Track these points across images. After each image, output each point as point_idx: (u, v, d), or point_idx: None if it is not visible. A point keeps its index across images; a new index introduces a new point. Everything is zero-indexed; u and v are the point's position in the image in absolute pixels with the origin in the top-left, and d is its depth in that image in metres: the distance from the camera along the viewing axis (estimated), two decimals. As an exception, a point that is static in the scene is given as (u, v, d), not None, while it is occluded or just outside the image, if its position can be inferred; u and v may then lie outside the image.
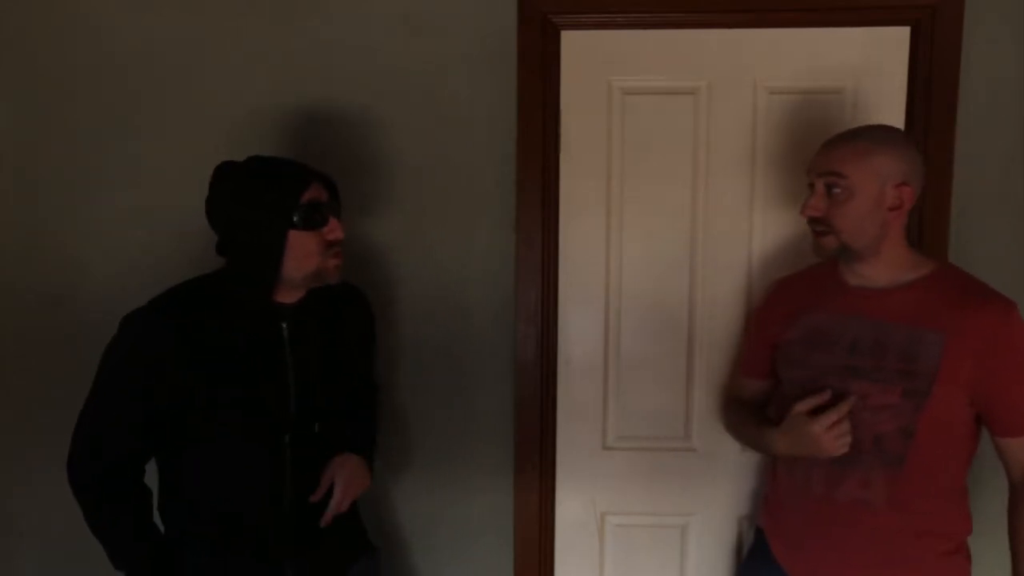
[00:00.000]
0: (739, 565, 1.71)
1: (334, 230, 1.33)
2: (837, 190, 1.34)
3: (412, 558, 1.87)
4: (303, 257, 1.31)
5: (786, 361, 1.50)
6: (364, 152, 1.77)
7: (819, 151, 1.40)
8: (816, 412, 1.34)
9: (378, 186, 1.77)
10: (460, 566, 1.87)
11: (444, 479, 1.84)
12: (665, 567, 1.88)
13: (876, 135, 1.36)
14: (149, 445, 1.36)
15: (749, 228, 1.79)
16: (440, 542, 1.86)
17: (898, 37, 1.72)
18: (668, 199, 1.79)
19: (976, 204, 1.71)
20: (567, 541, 1.89)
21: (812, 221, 1.39)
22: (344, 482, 1.42)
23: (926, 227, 1.70)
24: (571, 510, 1.88)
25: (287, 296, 1.37)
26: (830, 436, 1.32)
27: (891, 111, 1.73)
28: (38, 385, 1.84)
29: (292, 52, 1.75)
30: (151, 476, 1.39)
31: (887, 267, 1.38)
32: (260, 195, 1.27)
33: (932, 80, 1.68)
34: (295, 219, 1.28)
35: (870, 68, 1.72)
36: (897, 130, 1.42)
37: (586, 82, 1.77)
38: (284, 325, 1.37)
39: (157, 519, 1.40)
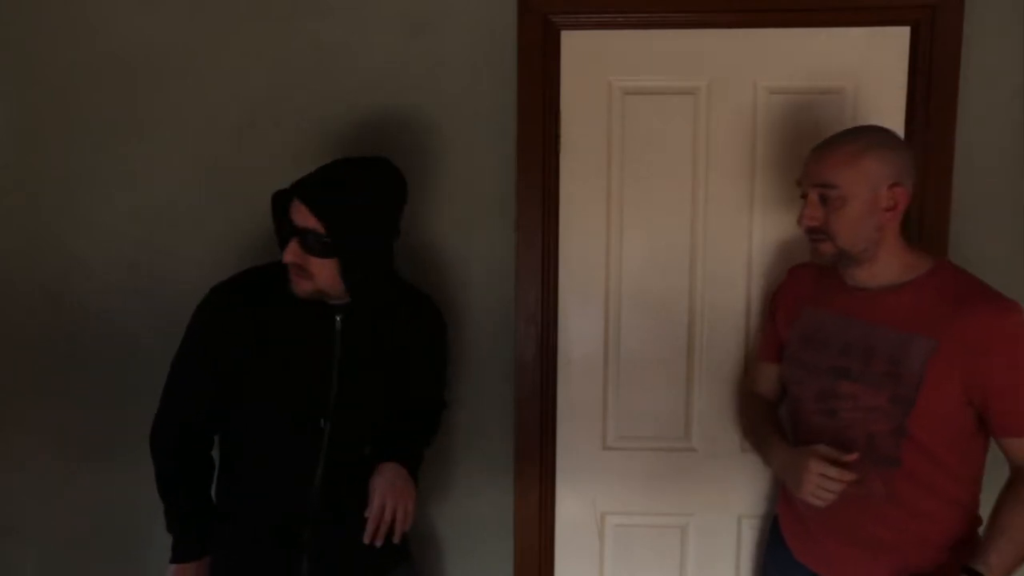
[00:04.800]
0: (760, 551, 1.75)
1: (286, 253, 1.34)
2: (830, 199, 1.34)
3: (412, 558, 1.87)
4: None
5: (786, 356, 1.52)
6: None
7: (808, 160, 1.40)
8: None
9: (378, 186, 1.77)
10: (460, 566, 1.87)
11: (444, 479, 1.84)
12: (665, 567, 1.88)
13: (863, 139, 1.34)
14: (216, 414, 1.43)
15: (749, 228, 1.79)
16: (440, 542, 1.85)
17: (898, 37, 1.72)
18: (668, 199, 1.79)
19: (976, 204, 1.71)
20: (567, 541, 1.89)
21: (810, 230, 1.39)
22: (382, 490, 1.39)
23: (926, 227, 1.69)
24: (571, 510, 1.88)
25: (331, 296, 1.41)
26: (814, 481, 1.31)
27: (891, 111, 1.72)
28: (38, 385, 1.83)
29: (292, 52, 1.75)
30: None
31: (882, 270, 1.38)
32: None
33: (932, 80, 1.68)
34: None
35: (870, 68, 1.72)
36: (885, 130, 1.39)
37: (586, 82, 1.77)
38: (338, 318, 1.42)
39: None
